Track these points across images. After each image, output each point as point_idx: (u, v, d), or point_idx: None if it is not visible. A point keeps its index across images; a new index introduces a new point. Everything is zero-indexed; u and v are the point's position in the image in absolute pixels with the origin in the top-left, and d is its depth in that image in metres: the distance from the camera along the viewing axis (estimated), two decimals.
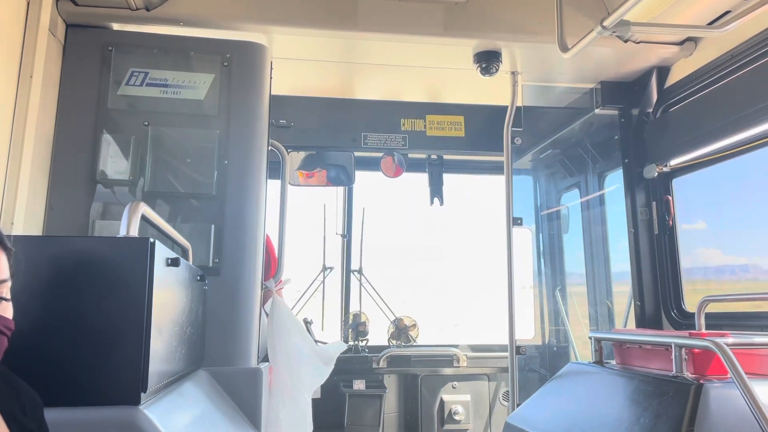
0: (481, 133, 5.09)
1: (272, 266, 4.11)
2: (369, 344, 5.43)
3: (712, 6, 3.43)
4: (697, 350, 2.61)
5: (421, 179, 5.66)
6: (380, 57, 4.15)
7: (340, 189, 5.74)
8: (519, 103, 4.56)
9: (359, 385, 5.10)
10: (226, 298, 3.35)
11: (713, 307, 3.33)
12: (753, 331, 3.14)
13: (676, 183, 4.12)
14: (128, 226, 1.96)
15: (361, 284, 5.74)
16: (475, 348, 5.48)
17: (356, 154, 5.21)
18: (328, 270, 5.81)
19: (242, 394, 3.19)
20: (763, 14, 3.06)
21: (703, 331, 3.14)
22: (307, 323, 4.75)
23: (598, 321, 5.08)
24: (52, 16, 3.21)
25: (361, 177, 5.42)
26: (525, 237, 5.88)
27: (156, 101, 3.47)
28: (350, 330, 5.46)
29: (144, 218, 2.12)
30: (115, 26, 3.59)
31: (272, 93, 3.81)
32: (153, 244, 1.87)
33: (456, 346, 5.41)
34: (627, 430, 2.56)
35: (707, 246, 4.15)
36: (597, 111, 4.49)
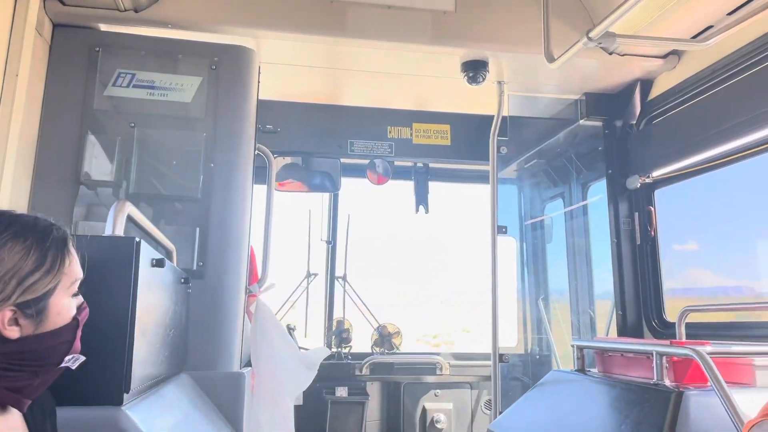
0: (467, 142, 5.12)
1: (253, 272, 4.10)
2: (352, 351, 5.42)
3: (695, 20, 3.49)
4: (677, 359, 2.64)
5: (407, 187, 5.67)
6: (368, 64, 4.16)
7: (326, 195, 5.73)
8: (505, 113, 4.59)
9: (342, 392, 5.08)
10: (209, 301, 3.33)
11: (693, 317, 3.37)
12: (732, 340, 3.18)
13: (659, 194, 4.17)
14: (114, 226, 1.95)
15: (345, 291, 5.73)
16: (457, 356, 5.49)
17: (342, 160, 5.22)
18: (312, 276, 5.79)
19: (224, 398, 3.17)
20: (744, 29, 3.13)
21: (684, 340, 3.18)
22: (290, 329, 4.73)
23: (580, 330, 5.12)
24: (39, 15, 3.18)
25: (347, 183, 5.43)
26: (510, 246, 5.91)
27: (142, 103, 3.45)
28: (333, 337, 5.45)
29: (129, 219, 2.11)
30: (103, 27, 3.57)
31: (260, 98, 3.81)
32: (139, 243, 1.86)
33: (438, 354, 5.42)
34: None
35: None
36: (581, 122, 4.53)
